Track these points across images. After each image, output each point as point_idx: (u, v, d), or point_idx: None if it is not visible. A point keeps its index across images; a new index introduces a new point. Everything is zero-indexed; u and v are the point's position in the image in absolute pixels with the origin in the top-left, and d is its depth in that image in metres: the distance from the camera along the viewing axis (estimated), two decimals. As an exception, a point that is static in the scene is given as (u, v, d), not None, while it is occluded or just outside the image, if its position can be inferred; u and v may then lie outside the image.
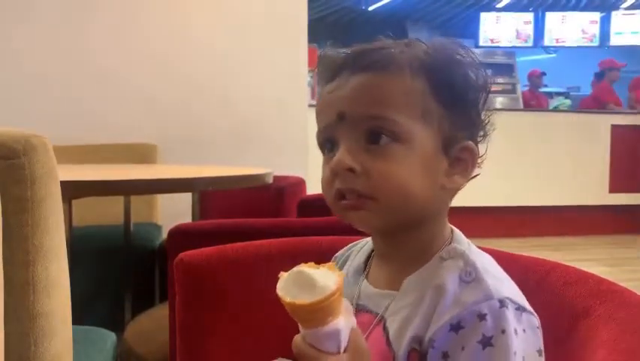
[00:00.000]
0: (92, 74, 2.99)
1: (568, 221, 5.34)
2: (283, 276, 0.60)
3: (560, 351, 0.67)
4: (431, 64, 0.64)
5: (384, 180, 0.62)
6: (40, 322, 0.80)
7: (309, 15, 3.27)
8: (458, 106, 0.65)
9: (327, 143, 0.67)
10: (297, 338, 0.61)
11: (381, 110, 0.62)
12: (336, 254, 0.81)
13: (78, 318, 0.96)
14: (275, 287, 0.59)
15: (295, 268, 0.60)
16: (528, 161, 5.12)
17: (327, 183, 0.65)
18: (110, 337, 1.27)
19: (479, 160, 0.66)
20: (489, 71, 0.68)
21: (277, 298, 0.58)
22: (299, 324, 0.60)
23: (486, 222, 4.90)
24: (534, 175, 5.27)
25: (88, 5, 3.00)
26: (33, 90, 2.91)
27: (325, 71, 0.68)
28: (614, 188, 5.45)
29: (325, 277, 0.58)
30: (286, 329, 0.94)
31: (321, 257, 0.80)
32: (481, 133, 0.68)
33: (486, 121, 0.68)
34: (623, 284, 0.70)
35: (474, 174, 0.67)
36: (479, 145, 0.67)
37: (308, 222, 1.47)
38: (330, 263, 0.63)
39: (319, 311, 0.57)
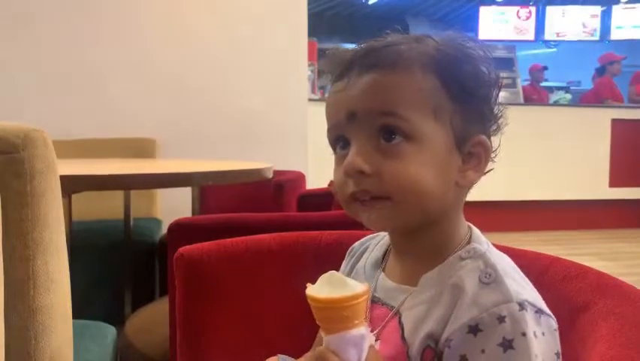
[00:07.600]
0: (91, 69, 2.99)
1: (568, 215, 5.34)
2: (311, 285, 0.61)
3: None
4: (441, 60, 0.63)
5: (396, 180, 0.61)
6: (41, 316, 0.80)
7: (309, 9, 3.26)
8: (470, 101, 0.64)
9: (339, 141, 0.66)
10: (320, 348, 0.60)
11: (393, 106, 0.62)
12: (353, 245, 0.80)
13: (78, 312, 0.96)
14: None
15: (326, 273, 0.62)
16: (528, 155, 5.11)
17: (340, 185, 0.65)
18: (110, 331, 1.27)
19: (493, 154, 0.66)
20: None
21: (307, 302, 0.59)
22: (323, 331, 0.60)
23: (485, 216, 4.89)
24: (534, 169, 5.26)
25: (88, 2, 3.00)
26: (32, 85, 2.91)
27: (333, 70, 0.67)
28: (614, 182, 5.44)
29: (354, 281, 0.60)
30: (286, 322, 0.94)
31: (321, 251, 0.80)
32: (494, 127, 0.67)
33: (499, 115, 0.67)
34: (622, 279, 0.70)
35: (488, 168, 0.66)
36: (492, 139, 0.66)
37: (308, 216, 1.47)
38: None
39: (349, 309, 0.58)
